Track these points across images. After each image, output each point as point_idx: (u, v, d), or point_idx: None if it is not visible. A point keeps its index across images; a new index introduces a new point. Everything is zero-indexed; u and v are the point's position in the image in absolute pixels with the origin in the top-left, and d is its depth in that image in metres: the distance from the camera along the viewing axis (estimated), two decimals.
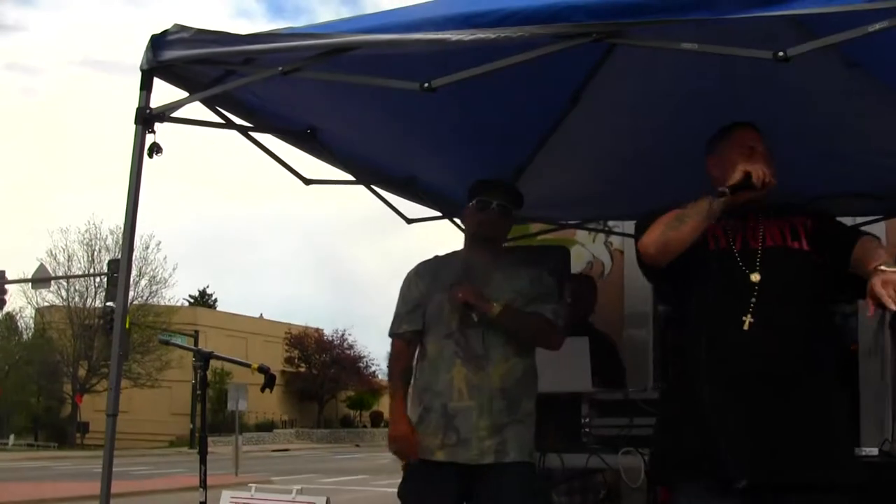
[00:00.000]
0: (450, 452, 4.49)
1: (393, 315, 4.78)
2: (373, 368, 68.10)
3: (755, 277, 3.70)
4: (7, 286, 30.79)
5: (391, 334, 4.77)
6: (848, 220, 4.45)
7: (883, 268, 3.43)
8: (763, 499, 3.60)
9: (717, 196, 3.68)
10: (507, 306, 4.55)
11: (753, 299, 3.65)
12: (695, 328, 3.79)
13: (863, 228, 6.26)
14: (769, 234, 3.81)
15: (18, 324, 54.35)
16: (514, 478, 4.51)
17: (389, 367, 4.82)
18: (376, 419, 68.78)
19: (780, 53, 3.13)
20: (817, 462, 3.59)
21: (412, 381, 4.73)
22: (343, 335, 64.59)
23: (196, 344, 39.06)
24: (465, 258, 4.75)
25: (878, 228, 6.67)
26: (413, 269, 4.81)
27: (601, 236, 8.19)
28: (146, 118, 3.98)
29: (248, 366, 5.07)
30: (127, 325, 4.13)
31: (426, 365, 4.65)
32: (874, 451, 4.82)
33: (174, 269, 63.02)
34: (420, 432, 4.57)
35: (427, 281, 4.71)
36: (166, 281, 52.29)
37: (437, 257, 4.85)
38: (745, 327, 3.62)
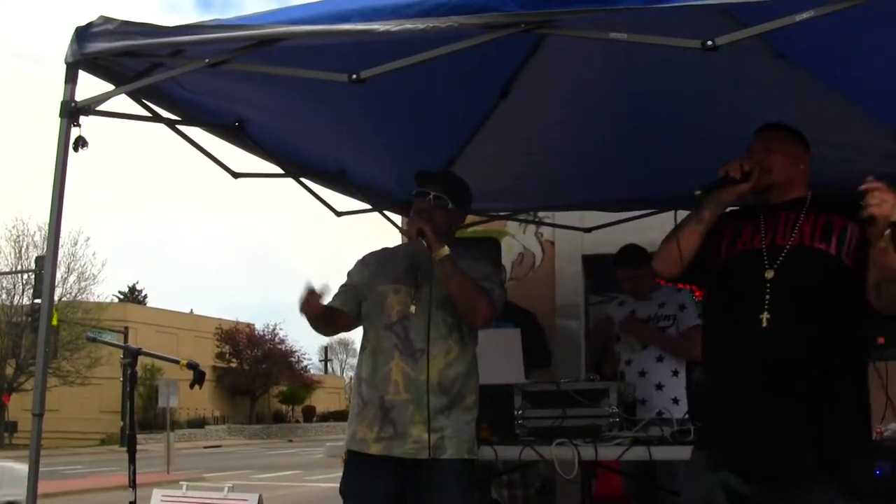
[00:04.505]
0: (385, 446, 4.43)
1: None
2: (304, 363, 67.94)
3: (769, 274, 3.71)
4: None
5: None
6: None
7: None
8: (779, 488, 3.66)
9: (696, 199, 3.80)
10: (451, 255, 4.42)
11: (767, 296, 3.67)
12: (711, 324, 3.97)
13: None
14: (800, 233, 3.78)
15: None
16: (450, 476, 4.44)
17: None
18: (309, 414, 68.53)
19: (709, 43, 3.15)
20: (818, 457, 3.60)
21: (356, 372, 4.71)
22: (274, 330, 63.93)
23: (126, 340, 38.75)
24: (412, 251, 4.65)
25: None
26: (362, 257, 4.80)
27: (532, 227, 8.23)
28: (71, 111, 3.92)
29: (177, 362, 5.00)
30: (55, 323, 4.08)
31: (366, 356, 4.61)
32: None
33: (103, 265, 62.69)
34: (358, 424, 4.54)
35: (371, 269, 4.69)
36: (95, 277, 51.54)
37: (385, 249, 4.84)
38: (764, 324, 3.64)
